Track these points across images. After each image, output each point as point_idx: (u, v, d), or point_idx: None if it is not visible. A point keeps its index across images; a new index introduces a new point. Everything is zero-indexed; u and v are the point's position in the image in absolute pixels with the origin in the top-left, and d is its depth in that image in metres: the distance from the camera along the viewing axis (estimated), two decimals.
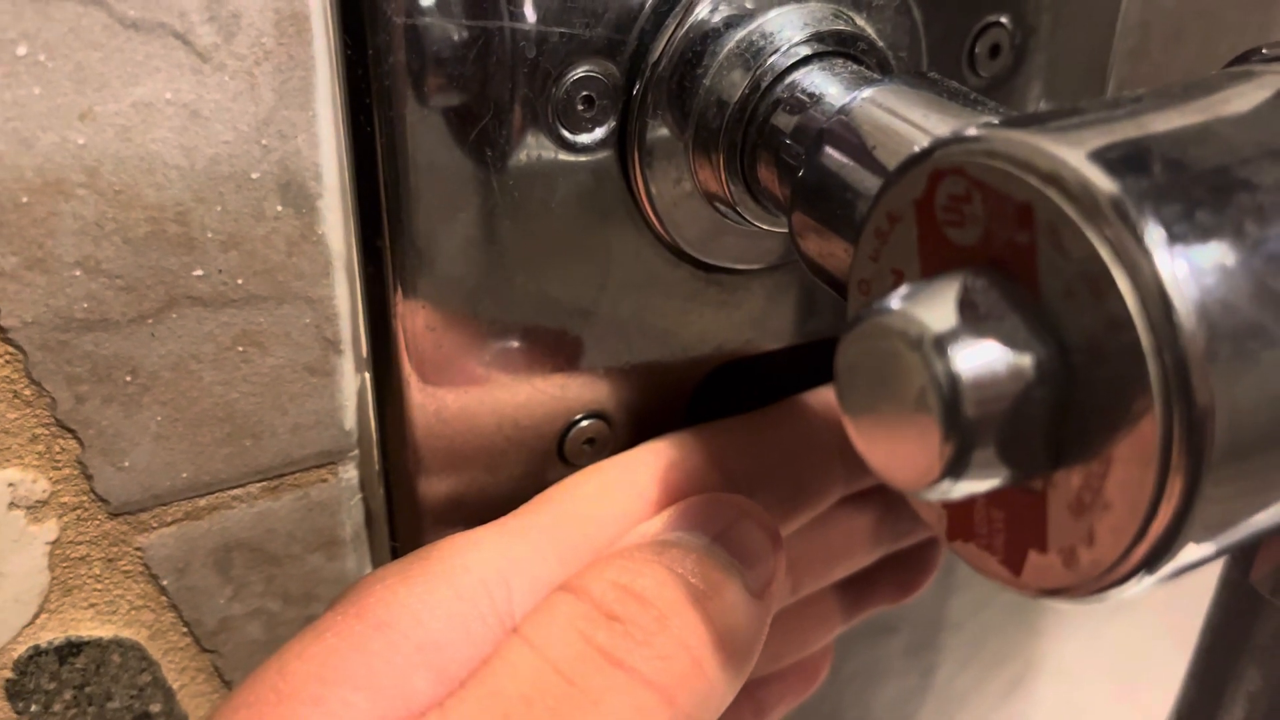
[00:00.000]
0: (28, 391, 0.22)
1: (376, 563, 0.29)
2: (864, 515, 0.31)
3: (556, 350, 0.27)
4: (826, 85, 0.24)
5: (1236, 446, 0.15)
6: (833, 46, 0.24)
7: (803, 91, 0.24)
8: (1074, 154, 0.16)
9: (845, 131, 0.22)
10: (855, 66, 0.24)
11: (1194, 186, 0.16)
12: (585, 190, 0.25)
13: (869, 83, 0.23)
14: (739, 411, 0.29)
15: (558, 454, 0.28)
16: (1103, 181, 0.15)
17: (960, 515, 0.18)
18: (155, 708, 0.27)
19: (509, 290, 0.26)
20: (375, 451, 0.27)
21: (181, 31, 0.21)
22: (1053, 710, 0.54)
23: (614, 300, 0.27)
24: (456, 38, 0.22)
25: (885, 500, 0.31)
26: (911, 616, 0.44)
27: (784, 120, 0.24)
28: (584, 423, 0.28)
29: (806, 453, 0.28)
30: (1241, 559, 0.23)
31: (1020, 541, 0.17)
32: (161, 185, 0.22)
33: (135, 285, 0.22)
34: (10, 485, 0.23)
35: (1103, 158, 0.16)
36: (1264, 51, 0.20)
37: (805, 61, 0.24)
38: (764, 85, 0.24)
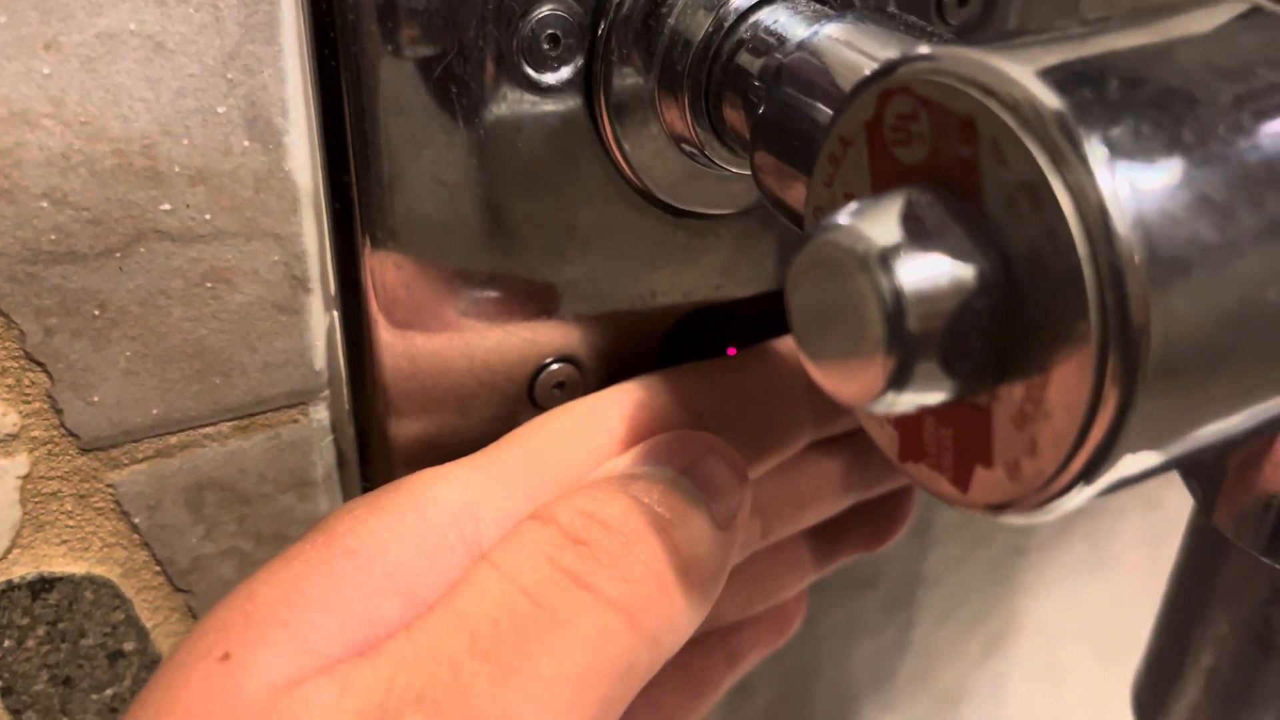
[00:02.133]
0: None
1: None
2: (833, 461, 0.31)
3: (526, 293, 0.27)
4: (790, 24, 0.24)
5: (1172, 359, 0.15)
6: None
7: (766, 30, 0.24)
8: (1020, 70, 0.16)
9: (804, 66, 0.22)
10: (818, 6, 0.25)
11: (1140, 104, 0.16)
12: (552, 132, 0.25)
13: (829, 18, 0.23)
14: (709, 357, 0.29)
15: (528, 397, 0.28)
16: (1045, 95, 0.15)
17: (911, 436, 0.19)
18: (129, 645, 0.27)
19: (477, 232, 0.26)
20: (345, 392, 0.27)
21: None
22: (1032, 668, 0.54)
23: (583, 244, 0.27)
24: None
25: (855, 447, 0.31)
26: (889, 571, 0.45)
27: (747, 60, 0.24)
28: (554, 366, 0.28)
29: (774, 395, 0.28)
30: (1205, 502, 0.24)
31: (967, 458, 0.18)
32: (128, 117, 0.22)
33: (103, 218, 0.23)
34: None
35: (1050, 74, 0.16)
36: None
37: (769, 1, 0.24)
38: (727, 24, 0.24)
